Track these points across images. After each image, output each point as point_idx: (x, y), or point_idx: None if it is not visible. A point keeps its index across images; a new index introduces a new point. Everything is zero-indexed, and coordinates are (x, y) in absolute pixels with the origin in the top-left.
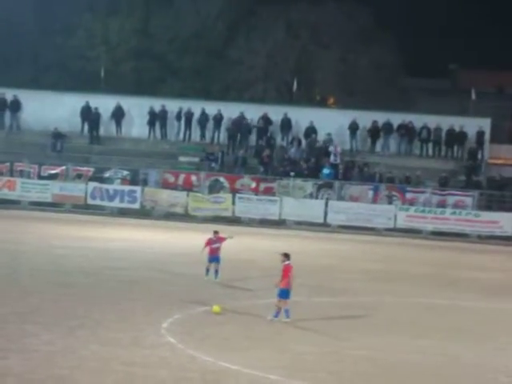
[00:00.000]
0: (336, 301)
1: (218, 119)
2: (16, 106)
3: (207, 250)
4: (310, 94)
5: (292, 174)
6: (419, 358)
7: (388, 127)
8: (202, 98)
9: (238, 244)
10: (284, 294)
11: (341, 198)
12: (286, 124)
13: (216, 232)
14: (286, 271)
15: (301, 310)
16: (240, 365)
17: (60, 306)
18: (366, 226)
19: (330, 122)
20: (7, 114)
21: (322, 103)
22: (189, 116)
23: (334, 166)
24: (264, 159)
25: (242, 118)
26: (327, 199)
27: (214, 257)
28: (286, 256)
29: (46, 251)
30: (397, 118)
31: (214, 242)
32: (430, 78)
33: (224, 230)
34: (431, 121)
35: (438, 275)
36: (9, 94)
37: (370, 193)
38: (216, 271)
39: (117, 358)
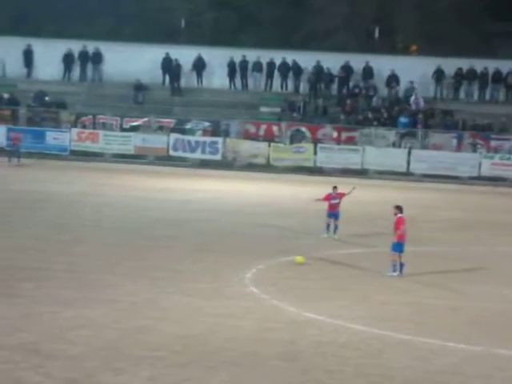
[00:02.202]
0: (420, 250)
1: (299, 69)
2: (98, 58)
3: (326, 204)
4: (391, 42)
5: (375, 123)
6: (504, 307)
7: (472, 74)
8: (283, 47)
9: (321, 193)
10: (397, 247)
11: (424, 147)
12: (368, 72)
13: (335, 187)
14: (399, 224)
15: (384, 260)
16: (323, 315)
17: (143, 257)
18: (449, 174)
19: (412, 70)
20: (89, 67)
21: (404, 51)
22: (270, 66)
23: (413, 115)
24: (345, 108)
25: (320, 67)
26: (410, 148)
27: (333, 213)
28: (399, 209)
29: (129, 203)
30: (481, 64)
31: (334, 198)
32: None
33: (306, 180)
34: None
35: None
36: (90, 47)
37: (454, 141)
38: (335, 227)
39: (201, 309)
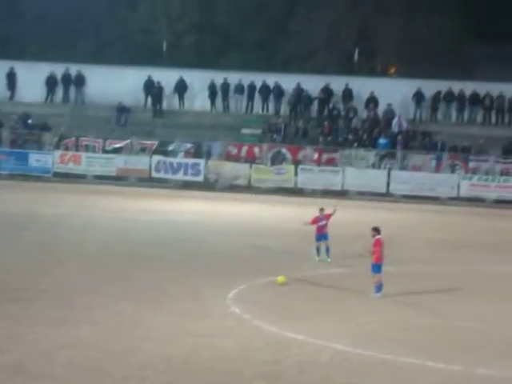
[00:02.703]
0: (400, 270)
1: (280, 91)
2: (80, 80)
3: (314, 228)
4: (371, 64)
5: (355, 144)
6: (484, 326)
7: (450, 96)
8: (264, 69)
9: (302, 215)
10: (376, 268)
11: (403, 168)
12: (348, 94)
13: (322, 209)
14: (376, 245)
15: (364, 280)
16: (305, 334)
17: (127, 277)
18: (429, 195)
19: (392, 92)
20: (72, 89)
21: (384, 73)
22: (251, 88)
23: (394, 136)
24: (325, 130)
25: (300, 89)
26: (389, 169)
27: (322, 235)
28: (376, 230)
29: (112, 224)
30: (459, 86)
31: (321, 220)
32: (493, 46)
33: (287, 201)
34: (494, 88)
35: (503, 243)
36: (73, 69)
37: (433, 162)
38: (327, 249)
39: (184, 329)
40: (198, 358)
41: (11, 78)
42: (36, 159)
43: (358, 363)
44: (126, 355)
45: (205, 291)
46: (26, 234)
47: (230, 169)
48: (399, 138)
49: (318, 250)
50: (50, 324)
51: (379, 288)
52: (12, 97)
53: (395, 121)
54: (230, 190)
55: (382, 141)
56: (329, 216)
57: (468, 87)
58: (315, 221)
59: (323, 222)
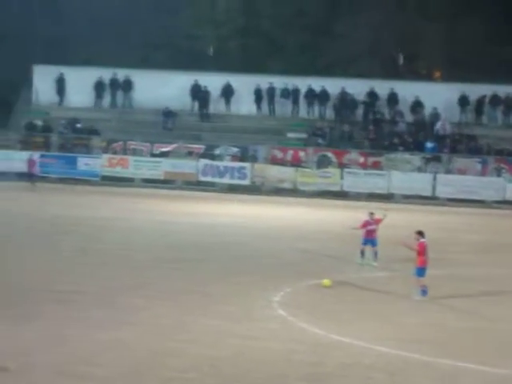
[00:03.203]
0: (445, 272)
1: (324, 95)
2: (128, 85)
3: (363, 232)
4: (415, 68)
5: (400, 148)
6: None
7: (496, 99)
8: (308, 73)
9: (347, 218)
10: (419, 271)
11: (449, 172)
12: (392, 98)
13: (372, 213)
14: (421, 249)
15: (407, 283)
16: (350, 337)
17: (172, 280)
18: (474, 198)
19: (437, 96)
20: (120, 94)
21: (428, 77)
22: (296, 92)
23: (439, 140)
24: (371, 134)
25: (345, 93)
26: (435, 172)
27: (369, 239)
28: (420, 234)
29: (158, 227)
30: (505, 90)
31: (371, 224)
32: None
33: (333, 204)
34: None
35: None
36: (121, 74)
37: (478, 165)
38: (375, 253)
39: (229, 331)
40: (243, 361)
41: (60, 83)
42: (84, 163)
43: (401, 365)
44: (170, 357)
45: (250, 294)
46: (73, 237)
47: (275, 172)
48: (447, 141)
49: (362, 252)
50: (93, 325)
51: (424, 292)
52: (61, 102)
53: (439, 124)
54: (275, 194)
55: (429, 145)
56: (379, 221)
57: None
58: (365, 225)
59: (373, 227)
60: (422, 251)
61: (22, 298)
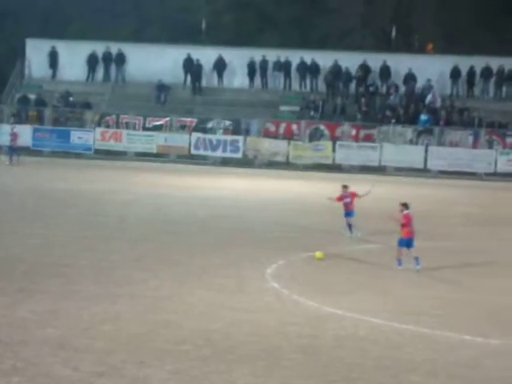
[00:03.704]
0: (437, 245)
1: (317, 68)
2: (121, 59)
3: (342, 206)
4: (408, 41)
5: (393, 120)
6: None
7: (488, 72)
8: (301, 47)
9: (339, 191)
10: (405, 242)
11: (441, 144)
12: (385, 71)
13: (345, 186)
14: (406, 220)
15: (402, 255)
16: (343, 309)
17: (166, 253)
18: (466, 170)
19: (429, 69)
20: (113, 67)
21: (421, 50)
22: (288, 65)
23: (432, 113)
24: (363, 106)
25: (338, 66)
26: (427, 145)
27: (348, 212)
28: (405, 205)
29: (151, 201)
30: (497, 62)
31: (346, 197)
32: None
33: (325, 177)
34: None
35: None
36: (114, 48)
37: (470, 138)
38: (349, 225)
39: (223, 304)
40: (237, 333)
41: (53, 57)
42: (78, 137)
43: (395, 337)
44: (166, 329)
45: (243, 267)
46: (68, 210)
47: (268, 146)
48: (441, 114)
49: (349, 226)
50: (91, 299)
51: (416, 261)
52: (54, 76)
53: (429, 97)
54: (268, 167)
55: (423, 117)
56: (354, 194)
57: (506, 63)
58: (341, 198)
59: (348, 200)
60: (407, 223)
61: (18, 272)
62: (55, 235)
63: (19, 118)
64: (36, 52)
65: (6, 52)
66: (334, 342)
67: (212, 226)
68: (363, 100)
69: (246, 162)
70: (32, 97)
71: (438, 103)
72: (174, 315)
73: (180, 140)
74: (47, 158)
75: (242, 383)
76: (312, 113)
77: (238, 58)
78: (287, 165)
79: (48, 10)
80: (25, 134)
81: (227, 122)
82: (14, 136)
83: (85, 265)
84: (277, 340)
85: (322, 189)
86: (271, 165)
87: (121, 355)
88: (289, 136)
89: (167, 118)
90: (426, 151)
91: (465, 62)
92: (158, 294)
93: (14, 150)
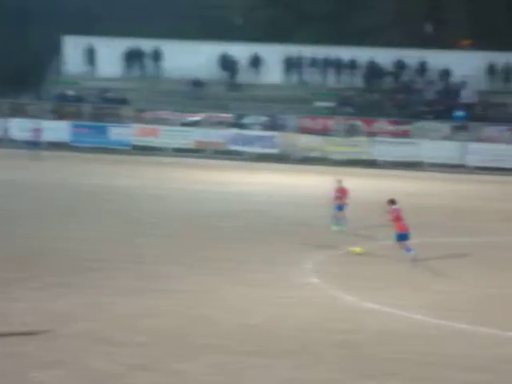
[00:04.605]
0: (474, 240)
1: (353, 64)
2: (157, 55)
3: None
4: (444, 37)
5: (429, 116)
6: None
7: None
8: (337, 43)
9: (375, 186)
10: (403, 236)
11: (477, 140)
12: (421, 67)
13: (339, 181)
14: (395, 215)
15: (437, 250)
16: (382, 304)
17: (205, 248)
18: (503, 166)
19: (465, 64)
20: (149, 64)
21: (457, 45)
22: (324, 61)
23: (468, 108)
24: (399, 102)
25: (374, 62)
26: (464, 141)
27: (337, 205)
28: (392, 202)
29: (188, 196)
30: None
31: (337, 191)
32: None
33: (361, 173)
34: None
35: None
36: (150, 44)
37: (507, 133)
38: (334, 218)
39: (263, 299)
40: (277, 328)
41: (90, 53)
42: (115, 132)
43: (434, 332)
44: (207, 324)
45: (282, 262)
46: (107, 205)
47: (304, 141)
48: (476, 109)
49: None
50: (131, 293)
51: (410, 250)
52: (91, 72)
53: (465, 92)
54: (303, 163)
55: (458, 113)
56: (345, 190)
57: None
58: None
59: (337, 194)
60: (397, 217)
61: (58, 266)
62: (93, 230)
63: (57, 114)
64: (73, 48)
65: (43, 49)
66: (374, 337)
67: (248, 222)
68: (399, 96)
69: (281, 158)
70: (70, 93)
71: (474, 99)
72: (214, 310)
73: (216, 136)
74: (85, 154)
75: (283, 377)
76: (348, 108)
77: (273, 54)
78: (323, 160)
79: (85, 6)
80: (63, 129)
81: (263, 118)
82: (36, 132)
83: (125, 260)
84: (317, 335)
85: (358, 185)
86: (307, 160)
87: (160, 349)
88: (325, 131)
89: (203, 114)
90: (463, 147)
91: (501, 58)
92: (197, 288)
93: (35, 145)
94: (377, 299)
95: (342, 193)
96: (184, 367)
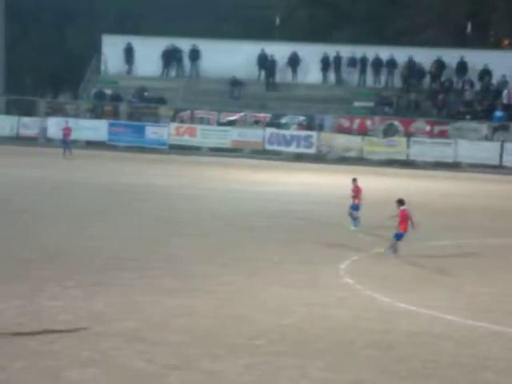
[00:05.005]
0: (510, 242)
1: (392, 64)
2: (195, 54)
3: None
4: (484, 37)
5: (468, 116)
6: None
7: None
8: (376, 43)
9: (413, 187)
10: (399, 236)
11: None
12: (460, 67)
13: (354, 179)
14: (402, 216)
15: (474, 251)
16: (416, 305)
17: (240, 248)
18: None
19: (505, 64)
20: (187, 63)
21: (497, 45)
22: (363, 61)
23: (508, 109)
24: (438, 102)
25: (413, 62)
26: (503, 141)
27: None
28: (401, 202)
29: (224, 195)
30: None
31: (352, 190)
32: None
33: (399, 173)
34: None
35: None
36: (188, 44)
37: None
38: (352, 218)
39: (296, 298)
40: (310, 328)
41: (128, 52)
42: (152, 132)
43: (469, 334)
44: (239, 324)
45: (317, 262)
46: (143, 204)
47: (341, 141)
48: None
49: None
50: (165, 293)
51: (395, 250)
52: (129, 71)
53: (505, 92)
54: (341, 162)
55: (498, 113)
56: (358, 190)
57: None
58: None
59: (352, 193)
60: (403, 218)
61: (94, 265)
62: (127, 229)
63: (95, 113)
64: (112, 48)
65: (82, 48)
66: (408, 338)
67: (285, 221)
68: (438, 96)
69: (319, 158)
70: (108, 92)
71: None
72: (248, 310)
73: (254, 135)
74: (122, 153)
75: (316, 377)
76: (386, 108)
77: (311, 54)
78: (361, 160)
79: (123, 5)
80: (100, 128)
81: (301, 118)
82: (66, 130)
83: (159, 259)
84: (350, 335)
85: (395, 185)
86: (344, 160)
87: (195, 349)
88: (363, 131)
89: (241, 113)
90: (502, 147)
91: None
92: (231, 288)
93: (66, 144)
94: (410, 300)
95: (356, 192)
96: (218, 367)
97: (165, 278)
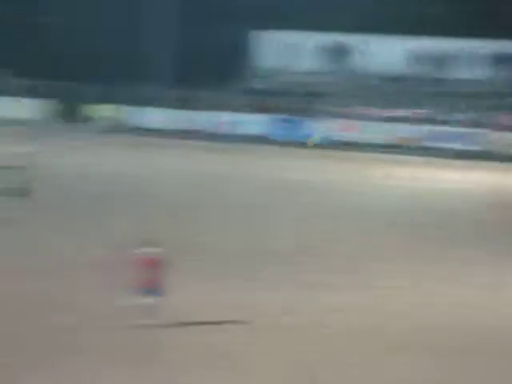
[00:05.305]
0: None
1: None
2: (352, 50)
3: None
4: None
5: None
6: None
7: None
8: None
9: None
10: None
11: None
12: None
13: None
14: None
15: None
16: None
17: (401, 245)
18: None
19: None
20: (345, 58)
21: None
22: None
23: None
24: None
25: None
26: None
27: None
28: None
29: (386, 192)
30: None
31: None
32: None
33: None
34: None
35: None
36: (349, 39)
37: None
38: None
39: (467, 301)
40: (477, 330)
41: (288, 48)
42: (312, 127)
43: None
44: (400, 320)
45: (499, 263)
46: (300, 200)
47: (509, 138)
48: None
49: None
50: (323, 289)
51: None
52: (289, 66)
53: None
54: (509, 161)
55: None
56: None
57: None
58: None
59: None
60: None
61: (248, 260)
62: (284, 224)
63: (254, 108)
64: (266, 43)
65: (236, 44)
66: None
67: (449, 220)
68: None
69: (483, 156)
70: (263, 87)
71: None
72: (410, 307)
73: (415, 132)
74: (281, 148)
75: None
76: None
77: (476, 50)
78: None
79: (274, 1)
80: (260, 123)
81: (467, 115)
82: (223, 124)
83: (322, 254)
84: None
85: None
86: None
87: (349, 344)
88: None
89: (402, 110)
90: None
91: None
92: (397, 284)
93: (221, 138)
94: None
95: None
96: (375, 363)
97: (323, 273)
